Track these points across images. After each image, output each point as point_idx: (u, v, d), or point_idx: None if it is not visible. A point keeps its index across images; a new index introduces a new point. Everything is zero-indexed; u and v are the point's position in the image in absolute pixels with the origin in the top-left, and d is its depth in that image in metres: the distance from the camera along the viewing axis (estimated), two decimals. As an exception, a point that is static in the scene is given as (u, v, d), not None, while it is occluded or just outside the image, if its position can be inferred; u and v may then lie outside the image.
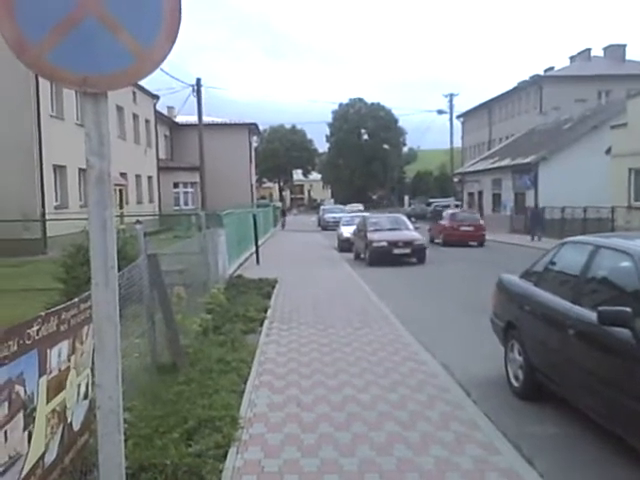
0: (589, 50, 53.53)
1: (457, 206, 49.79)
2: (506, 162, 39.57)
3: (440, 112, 51.99)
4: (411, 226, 22.96)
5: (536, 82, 48.66)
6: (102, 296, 3.13)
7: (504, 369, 6.85)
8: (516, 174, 37.28)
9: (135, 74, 3.06)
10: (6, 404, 2.87)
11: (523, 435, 5.29)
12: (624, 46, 52.82)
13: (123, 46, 2.95)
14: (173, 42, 3.04)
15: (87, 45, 2.93)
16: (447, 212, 31.89)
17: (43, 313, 3.38)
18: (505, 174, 39.33)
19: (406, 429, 5.26)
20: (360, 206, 59.27)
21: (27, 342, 3.09)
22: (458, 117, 60.85)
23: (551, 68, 52.90)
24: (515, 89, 52.49)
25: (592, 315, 4.76)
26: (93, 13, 2.92)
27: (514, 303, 6.71)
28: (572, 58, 54.58)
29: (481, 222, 29.93)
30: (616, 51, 51.94)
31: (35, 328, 3.21)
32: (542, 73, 51.11)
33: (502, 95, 55.03)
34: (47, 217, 22.58)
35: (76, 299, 3.94)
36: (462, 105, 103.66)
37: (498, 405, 6.13)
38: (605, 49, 53.34)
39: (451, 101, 51.44)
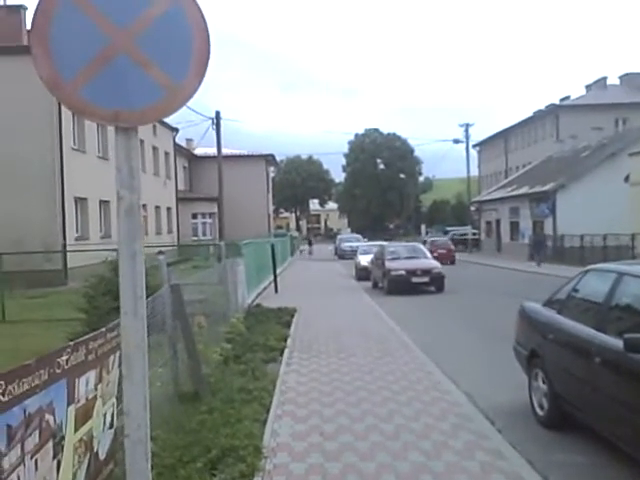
0: (605, 79, 53.64)
1: (474, 234, 49.73)
2: (524, 190, 39.50)
3: (456, 141, 52.21)
4: (429, 254, 22.94)
5: (552, 111, 48.73)
6: (131, 325, 3.16)
7: (528, 397, 6.77)
8: (534, 202, 37.18)
9: (166, 109, 3.12)
10: (37, 432, 2.89)
11: (550, 464, 5.21)
12: (640, 74, 52.85)
13: (154, 82, 3.02)
14: (202, 77, 3.11)
15: (119, 81, 2.99)
16: (429, 239, 41.41)
17: (72, 342, 3.42)
18: (523, 202, 39.23)
19: (431, 459, 5.21)
20: (358, 236, 51.39)
21: (57, 371, 3.12)
22: (474, 146, 61.00)
23: (567, 97, 52.96)
24: (531, 118, 52.58)
25: (618, 342, 4.73)
26: (125, 50, 2.99)
27: (537, 331, 6.66)
28: (588, 87, 54.67)
29: (452, 247, 38.38)
30: (633, 79, 51.92)
31: (64, 357, 3.24)
32: (558, 102, 51.18)
33: (518, 124, 55.12)
34: (68, 248, 22.82)
35: (103, 328, 3.98)
36: (477, 134, 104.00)
37: (523, 434, 6.05)
38: (621, 77, 53.40)
39: (467, 131, 51.71)
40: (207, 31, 3.09)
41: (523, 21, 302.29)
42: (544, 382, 6.32)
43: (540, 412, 6.42)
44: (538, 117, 51.21)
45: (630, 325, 5.08)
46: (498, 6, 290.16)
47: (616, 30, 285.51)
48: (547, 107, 50.27)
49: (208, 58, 3.11)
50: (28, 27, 25.61)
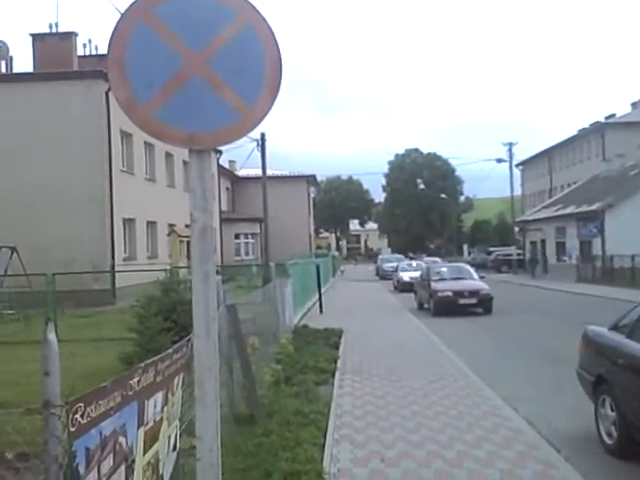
0: (652, 95, 52.49)
1: (519, 254, 48.84)
2: (570, 210, 38.67)
3: (499, 161, 51.51)
4: (476, 275, 22.53)
5: (598, 129, 47.83)
6: (204, 347, 3.13)
7: (593, 424, 6.52)
8: (581, 222, 36.37)
9: (239, 131, 3.10)
10: (111, 455, 2.87)
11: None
12: (688, 90, 51.57)
13: (227, 104, 3.00)
14: (274, 98, 3.08)
15: (193, 103, 2.98)
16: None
17: (143, 364, 3.40)
18: (569, 222, 38.40)
19: (499, 488, 5.03)
20: (399, 256, 52.40)
21: (129, 393, 3.10)
22: (517, 165, 60.04)
23: (612, 115, 51.91)
24: (576, 137, 51.73)
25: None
26: (198, 72, 2.99)
27: (605, 356, 6.41)
28: (634, 104, 53.53)
29: None
30: (680, 95, 50.71)
31: (136, 379, 3.22)
32: (603, 120, 50.24)
33: (562, 143, 54.23)
34: (116, 268, 23.17)
35: (170, 350, 3.96)
36: (521, 153, 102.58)
37: (592, 463, 5.81)
38: (669, 94, 52.18)
39: (510, 150, 51.01)
40: (279, 53, 3.07)
41: (569, 39, 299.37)
42: (613, 409, 6.05)
43: (608, 441, 6.15)
44: (583, 135, 50.34)
45: None
46: (543, 24, 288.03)
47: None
48: (592, 125, 49.34)
49: (280, 80, 3.08)
50: (79, 53, 26.57)
